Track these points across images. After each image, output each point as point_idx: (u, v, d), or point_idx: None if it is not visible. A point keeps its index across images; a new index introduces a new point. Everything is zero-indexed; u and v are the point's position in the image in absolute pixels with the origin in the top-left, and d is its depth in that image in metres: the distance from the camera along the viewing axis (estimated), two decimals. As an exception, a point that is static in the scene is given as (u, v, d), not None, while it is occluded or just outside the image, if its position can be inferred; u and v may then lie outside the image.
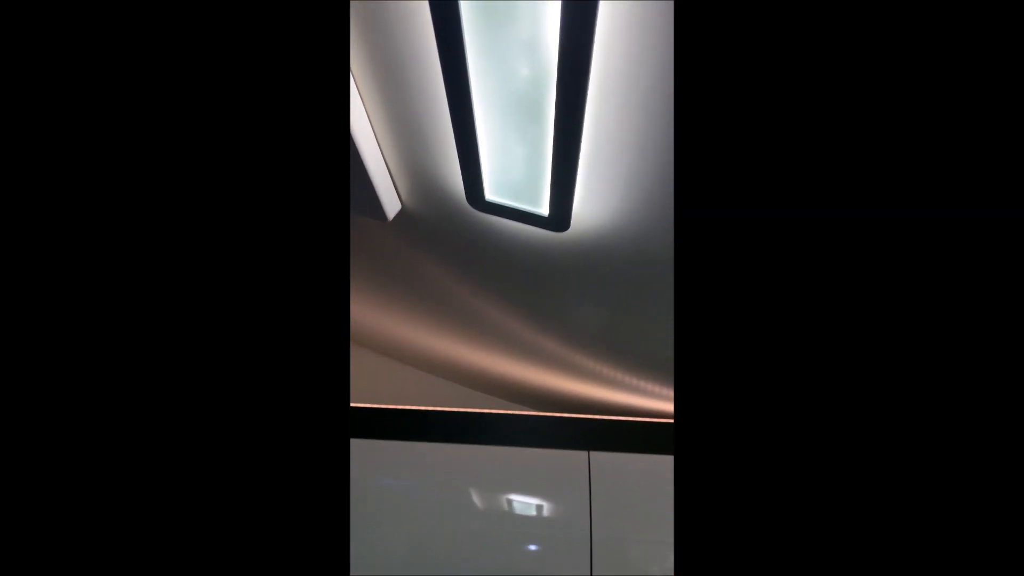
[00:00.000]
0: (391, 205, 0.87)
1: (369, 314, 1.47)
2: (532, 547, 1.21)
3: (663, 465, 1.28)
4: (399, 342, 1.61)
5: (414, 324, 1.46)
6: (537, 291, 1.07)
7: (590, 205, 0.74)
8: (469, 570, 1.19)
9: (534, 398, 1.65)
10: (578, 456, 1.29)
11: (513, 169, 0.69)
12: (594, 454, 1.29)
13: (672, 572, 1.03)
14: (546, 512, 1.27)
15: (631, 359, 1.26)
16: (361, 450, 1.34)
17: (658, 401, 1.42)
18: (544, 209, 0.73)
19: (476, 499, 1.29)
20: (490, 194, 0.74)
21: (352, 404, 1.44)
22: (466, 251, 0.96)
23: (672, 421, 1.31)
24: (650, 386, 1.37)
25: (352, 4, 0.56)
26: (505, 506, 1.29)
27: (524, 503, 1.31)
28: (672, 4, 0.45)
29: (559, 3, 0.47)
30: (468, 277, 1.11)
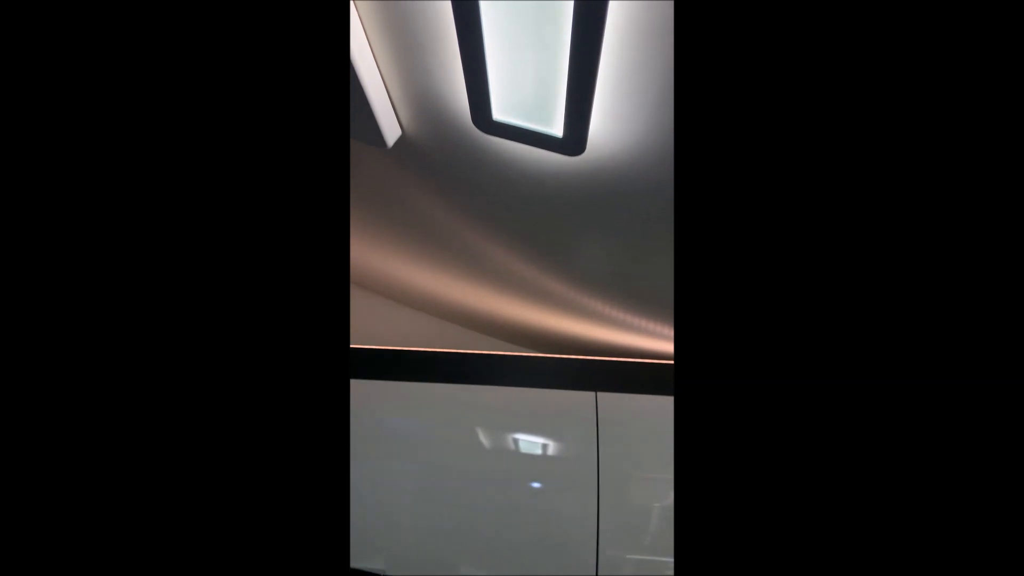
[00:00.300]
0: (391, 130, 0.81)
1: (368, 253, 1.43)
2: (536, 484, 1.22)
3: (669, 405, 1.28)
4: (400, 282, 1.58)
5: (415, 263, 1.42)
6: (545, 227, 1.02)
7: (609, 126, 0.68)
8: (477, 506, 1.21)
9: (540, 341, 1.64)
10: (585, 396, 1.29)
11: (524, 85, 0.62)
12: (601, 394, 1.29)
13: (671, 506, 1.04)
14: (553, 451, 1.28)
15: (640, 300, 1.23)
16: (366, 390, 1.34)
17: (666, 342, 1.40)
18: (558, 129, 0.67)
19: (483, 438, 1.29)
20: (498, 113, 0.68)
21: (353, 345, 1.43)
22: (470, 180, 0.90)
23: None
24: (659, 327, 1.34)
25: None
26: (512, 445, 1.30)
27: (531, 442, 1.32)
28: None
29: None
30: (472, 212, 1.05)
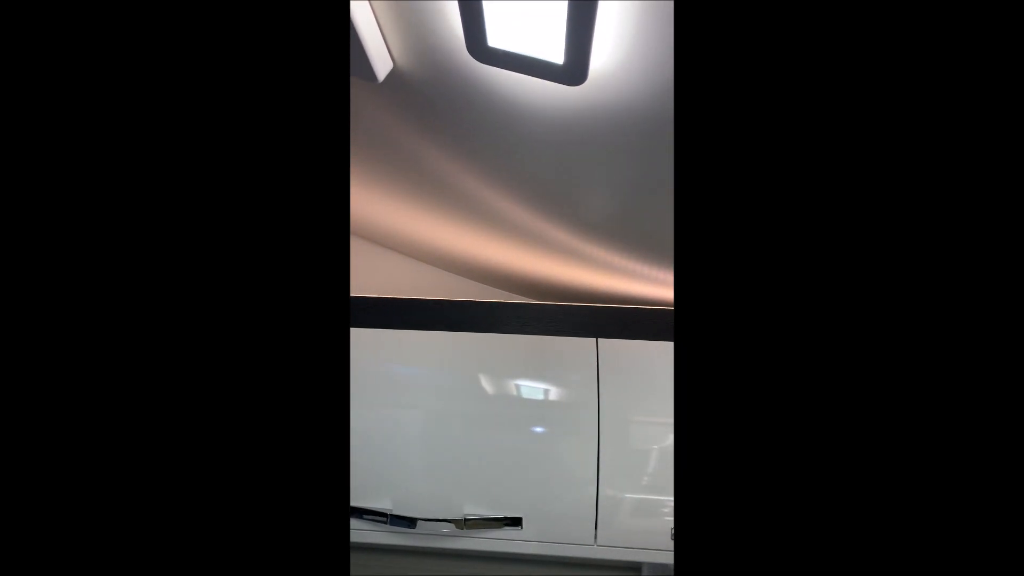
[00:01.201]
0: (382, 63, 0.77)
1: (362, 199, 1.40)
2: (538, 429, 1.25)
3: (669, 350, 1.28)
4: (396, 230, 1.56)
5: (410, 209, 1.39)
6: (543, 168, 0.99)
7: (612, 53, 0.65)
8: (480, 449, 1.24)
9: (540, 290, 1.63)
10: (586, 343, 1.29)
11: (521, 7, 0.58)
12: (602, 341, 1.29)
13: (671, 447, 1.07)
14: (554, 396, 1.30)
15: (642, 246, 1.21)
16: (366, 338, 1.34)
17: (667, 288, 1.39)
18: (558, 56, 0.63)
19: (485, 384, 1.31)
20: (494, 40, 0.64)
21: (353, 295, 1.42)
22: (465, 115, 0.87)
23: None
24: (660, 274, 1.33)
25: None
26: (514, 391, 1.32)
27: (532, 387, 1.34)
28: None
29: None
30: (467, 153, 1.02)
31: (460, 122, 0.89)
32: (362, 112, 0.97)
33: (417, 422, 1.29)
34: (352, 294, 1.42)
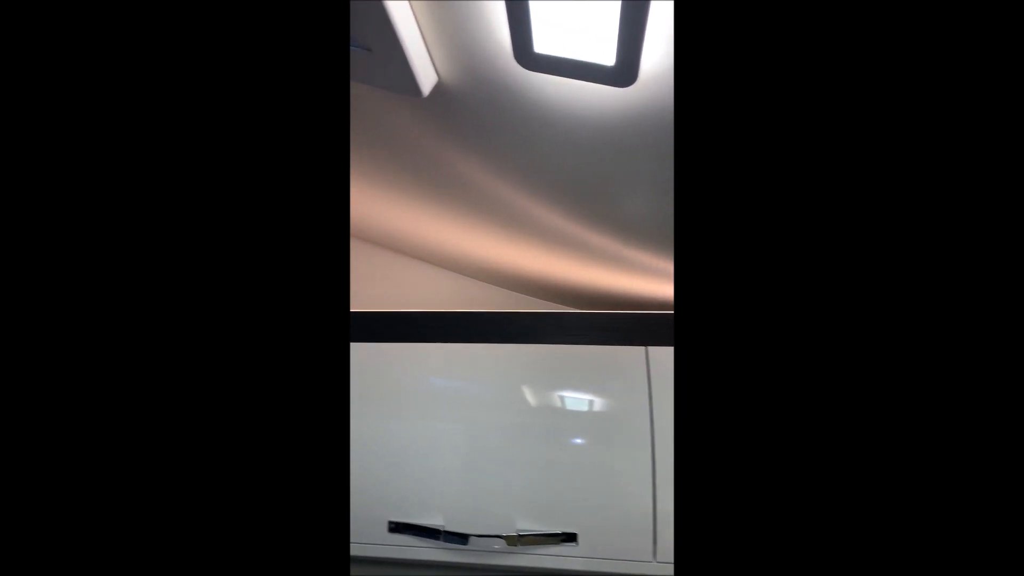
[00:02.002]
0: (426, 77, 0.77)
1: (405, 216, 1.41)
2: (580, 440, 1.22)
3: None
4: (435, 244, 1.56)
5: (453, 224, 1.40)
6: (589, 175, 0.97)
7: (664, 49, 0.63)
8: (528, 463, 1.22)
9: (586, 299, 1.61)
10: (635, 351, 1.25)
11: (570, 9, 0.57)
12: (652, 348, 1.25)
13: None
14: (603, 407, 1.26)
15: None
16: (405, 353, 1.34)
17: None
18: (608, 58, 0.61)
19: (528, 396, 1.29)
20: (540, 45, 0.63)
21: (394, 310, 1.43)
22: (511, 125, 0.86)
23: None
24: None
25: None
26: (558, 402, 1.29)
27: (577, 399, 1.31)
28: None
29: None
30: (512, 163, 1.01)
31: (505, 131, 0.89)
32: (404, 127, 0.98)
33: (460, 436, 1.27)
34: (390, 309, 1.43)
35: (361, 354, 1.32)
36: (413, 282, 1.68)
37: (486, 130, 0.90)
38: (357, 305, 1.45)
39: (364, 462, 1.25)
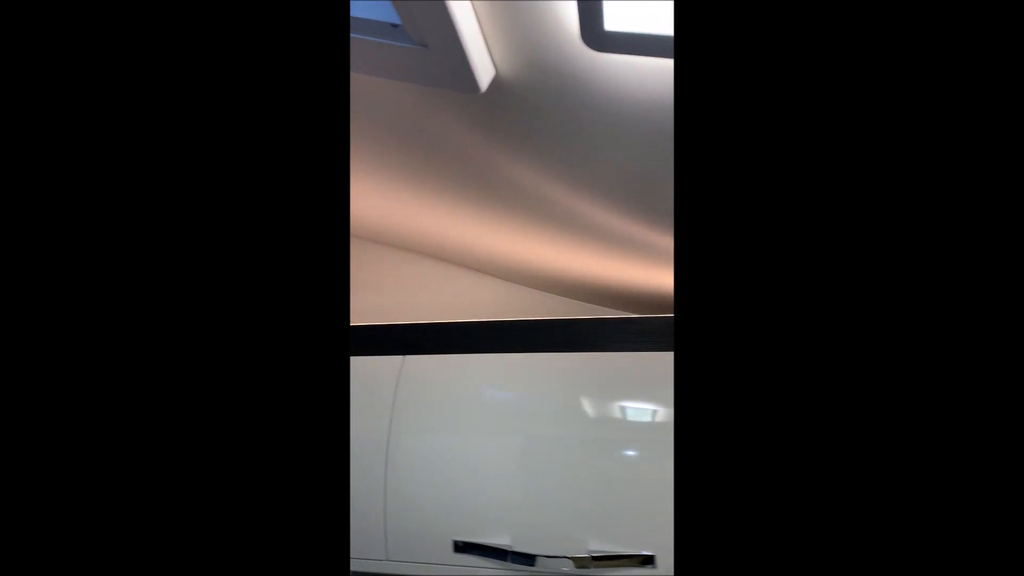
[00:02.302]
0: (484, 70, 0.73)
1: (451, 221, 1.38)
2: (637, 453, 1.16)
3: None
4: (485, 251, 1.53)
5: (501, 228, 1.35)
6: (657, 168, 0.90)
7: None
8: (592, 478, 1.15)
9: (648, 303, 1.53)
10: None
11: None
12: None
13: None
14: (662, 417, 1.18)
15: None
16: (460, 364, 1.30)
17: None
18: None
19: (587, 407, 1.22)
20: (612, 22, 0.58)
21: (449, 320, 1.40)
22: (572, 115, 0.81)
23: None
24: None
25: None
26: (618, 413, 1.22)
27: (639, 409, 1.23)
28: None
29: None
30: (567, 160, 0.96)
31: (567, 123, 0.84)
32: (457, 130, 0.94)
33: (518, 450, 1.22)
34: (442, 320, 1.39)
35: (415, 367, 1.29)
36: (464, 292, 1.65)
37: (547, 124, 0.86)
38: (407, 317, 1.43)
39: (423, 478, 1.21)
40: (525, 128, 0.88)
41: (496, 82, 0.76)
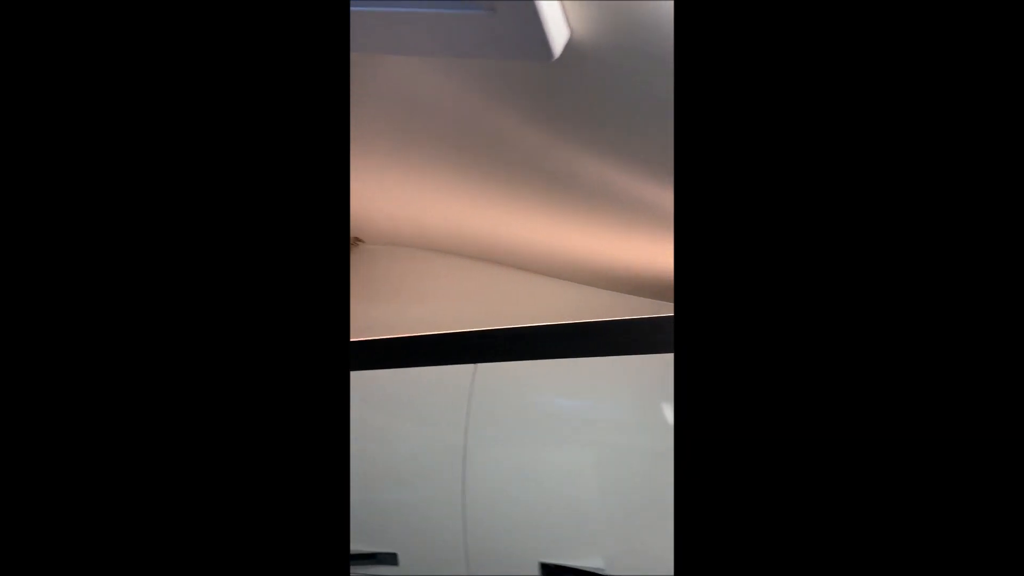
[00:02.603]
0: (558, 33, 0.65)
1: (514, 221, 1.31)
2: None
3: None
4: (567, 255, 1.45)
5: (569, 224, 1.27)
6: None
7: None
8: (662, 489, 1.03)
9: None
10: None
11: None
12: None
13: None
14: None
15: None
16: (535, 371, 1.22)
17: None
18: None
19: (668, 415, 1.11)
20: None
21: (509, 326, 1.32)
22: (656, 87, 0.71)
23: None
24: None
25: None
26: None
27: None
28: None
29: None
30: (650, 137, 0.86)
31: (650, 95, 0.74)
32: (524, 114, 0.87)
33: (599, 462, 1.12)
34: (506, 325, 1.32)
35: (486, 376, 1.22)
36: (537, 297, 1.57)
37: (629, 97, 0.77)
38: (475, 324, 1.36)
39: (504, 494, 1.14)
40: (601, 103, 0.80)
41: (572, 47, 0.68)
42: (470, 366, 1.23)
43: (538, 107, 0.84)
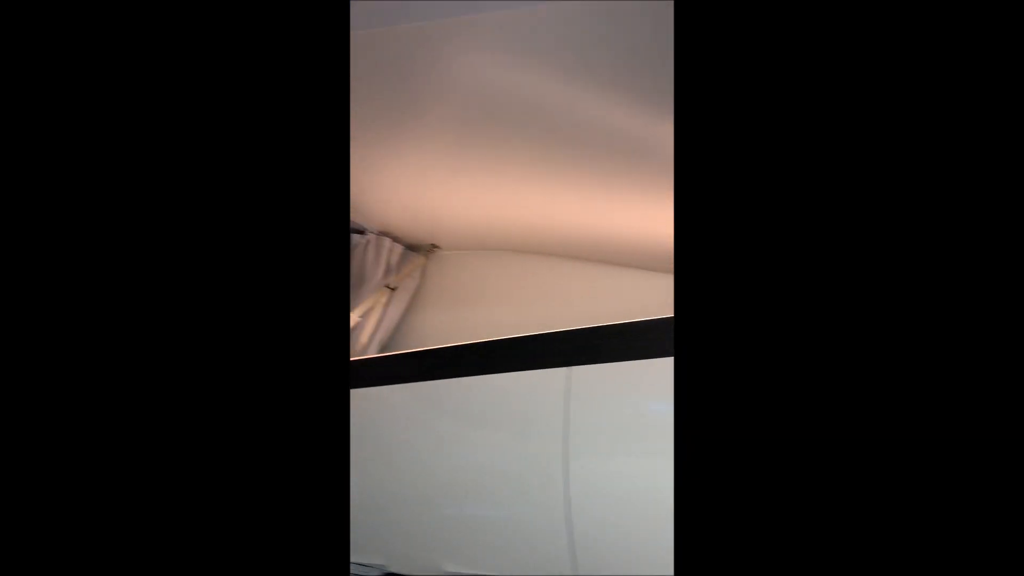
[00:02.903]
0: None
1: (612, 214, 1.22)
2: None
3: None
4: (643, 242, 1.34)
5: (661, 208, 1.17)
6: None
7: None
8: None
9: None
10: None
11: None
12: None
13: None
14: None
15: None
16: (634, 372, 1.10)
17: None
18: None
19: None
20: None
21: (568, 328, 1.21)
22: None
23: None
24: None
25: None
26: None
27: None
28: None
29: None
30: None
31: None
32: (597, 114, 0.78)
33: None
34: (600, 323, 1.22)
35: (572, 379, 1.12)
36: (624, 291, 1.47)
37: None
38: (560, 324, 1.27)
39: (613, 509, 1.03)
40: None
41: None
42: (564, 369, 1.14)
43: (622, 90, 0.75)
